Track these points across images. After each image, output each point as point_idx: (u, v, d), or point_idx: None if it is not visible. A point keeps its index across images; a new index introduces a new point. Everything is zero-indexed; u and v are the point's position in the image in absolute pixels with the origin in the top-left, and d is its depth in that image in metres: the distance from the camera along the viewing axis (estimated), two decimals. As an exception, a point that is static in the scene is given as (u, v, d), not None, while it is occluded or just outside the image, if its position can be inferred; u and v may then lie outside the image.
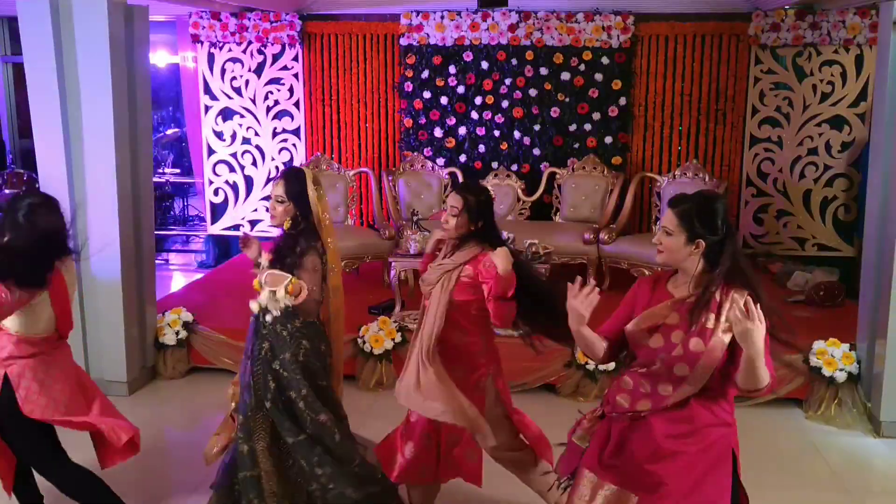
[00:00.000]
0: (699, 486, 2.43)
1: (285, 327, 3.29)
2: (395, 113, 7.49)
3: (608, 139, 7.18)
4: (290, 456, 3.33)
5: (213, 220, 7.85)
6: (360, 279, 6.56)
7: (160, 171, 9.84)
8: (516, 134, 7.27)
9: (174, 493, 3.98)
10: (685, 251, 2.46)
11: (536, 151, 7.26)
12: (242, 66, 7.51)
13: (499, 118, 7.27)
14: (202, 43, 7.50)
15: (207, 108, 7.63)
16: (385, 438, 3.44)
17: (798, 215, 7.15)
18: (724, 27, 6.99)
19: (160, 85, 10.04)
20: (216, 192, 7.77)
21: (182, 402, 5.12)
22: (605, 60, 7.07)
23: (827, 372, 4.81)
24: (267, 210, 3.41)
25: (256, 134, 7.63)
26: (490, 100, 7.24)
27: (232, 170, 7.71)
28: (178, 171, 10.27)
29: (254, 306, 3.28)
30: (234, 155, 7.68)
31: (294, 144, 7.64)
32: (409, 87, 7.34)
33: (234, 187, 7.73)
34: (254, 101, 7.57)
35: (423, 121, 7.37)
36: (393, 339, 5.16)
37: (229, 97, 7.58)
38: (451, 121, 7.34)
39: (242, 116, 7.61)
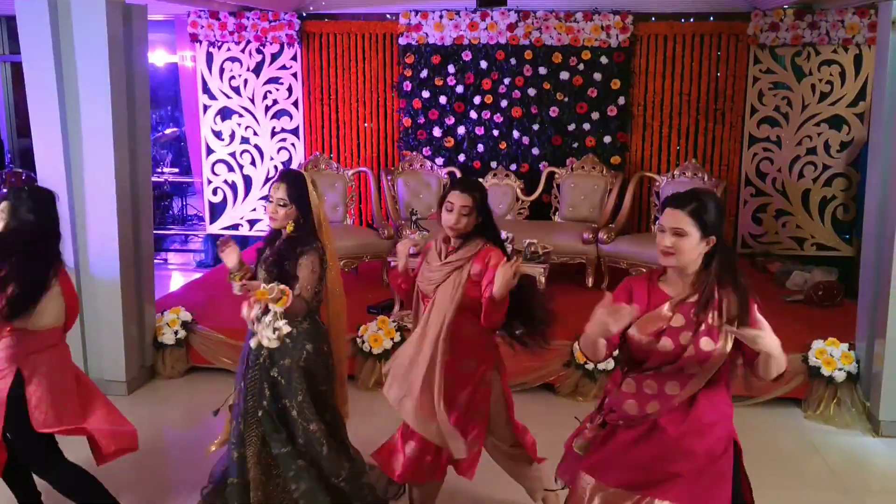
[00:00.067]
0: (703, 474, 2.47)
1: (290, 333, 3.27)
2: (393, 112, 7.49)
3: (607, 139, 7.19)
4: (277, 466, 3.32)
5: (212, 220, 7.85)
6: (358, 279, 6.55)
7: (159, 170, 9.83)
8: (515, 133, 7.27)
9: (173, 492, 3.97)
10: (697, 250, 2.45)
11: (535, 151, 7.27)
12: (241, 65, 7.51)
13: (498, 118, 7.27)
14: (201, 42, 7.49)
15: (206, 108, 7.63)
16: (385, 443, 3.43)
17: (797, 215, 7.15)
18: (723, 27, 7.00)
19: (159, 84, 10.03)
20: (215, 192, 7.76)
21: (181, 401, 5.11)
22: (603, 60, 7.07)
23: (826, 371, 4.81)
24: (265, 211, 3.36)
25: (255, 133, 7.63)
26: (489, 99, 7.24)
27: (231, 169, 7.70)
28: (176, 170, 10.26)
29: (253, 343, 3.23)
30: (232, 154, 7.68)
31: (293, 144, 7.64)
32: (407, 86, 7.34)
33: (233, 187, 7.73)
34: (252, 101, 7.57)
35: (421, 120, 7.37)
36: (392, 339, 5.16)
37: (228, 97, 7.57)
38: (450, 120, 7.34)
39: (241, 116, 7.60)
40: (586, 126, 7.19)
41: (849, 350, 4.86)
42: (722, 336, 2.43)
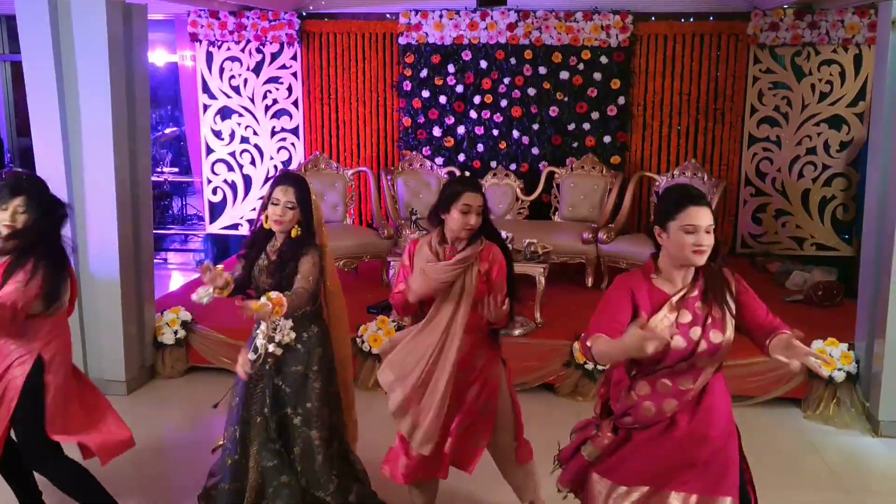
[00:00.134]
0: (715, 459, 2.53)
1: (300, 338, 3.27)
2: (393, 112, 7.49)
3: (607, 138, 7.19)
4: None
5: (212, 220, 7.85)
6: (358, 279, 6.55)
7: (159, 169, 9.82)
8: (515, 133, 7.27)
9: (172, 492, 3.98)
10: None
11: (535, 151, 7.27)
12: (241, 64, 7.51)
13: (497, 117, 7.27)
14: (201, 42, 7.49)
15: (206, 107, 7.63)
16: (387, 454, 3.42)
17: (797, 215, 7.16)
18: (723, 26, 7.00)
19: (158, 84, 10.03)
20: (215, 191, 7.76)
21: (181, 401, 5.11)
22: (603, 60, 7.07)
23: (825, 371, 4.81)
24: (264, 214, 3.28)
25: (255, 133, 7.62)
26: (489, 99, 7.24)
27: (230, 169, 7.70)
28: (176, 170, 10.25)
29: (252, 356, 3.16)
30: (232, 154, 7.67)
31: (293, 143, 7.64)
32: (407, 86, 7.34)
33: (233, 186, 7.73)
34: (252, 100, 7.56)
35: (421, 120, 7.37)
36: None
37: (228, 96, 7.57)
38: (450, 120, 7.34)
39: (241, 115, 7.60)
40: (586, 126, 7.19)
41: (848, 350, 4.86)
42: (728, 325, 2.50)
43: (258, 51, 7.48)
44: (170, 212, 9.81)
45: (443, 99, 7.29)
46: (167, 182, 9.78)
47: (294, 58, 7.48)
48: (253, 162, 7.67)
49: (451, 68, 7.25)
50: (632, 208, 6.79)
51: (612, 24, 6.99)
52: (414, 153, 7.29)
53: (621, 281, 2.58)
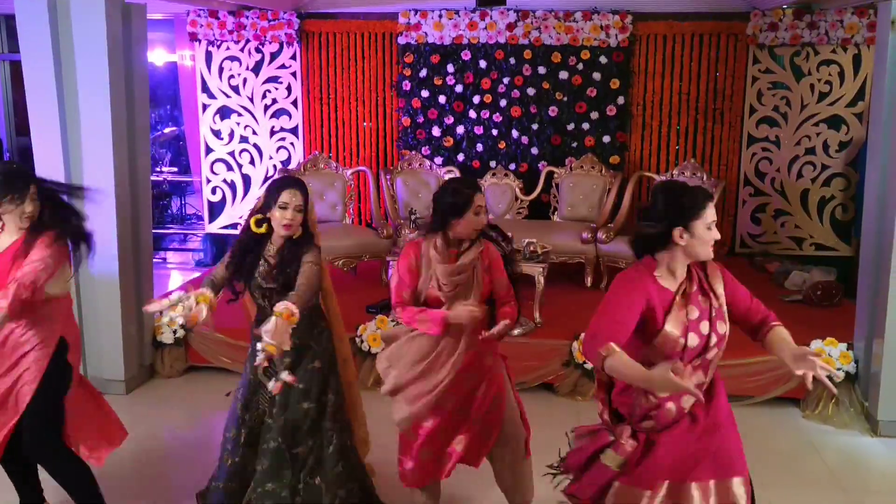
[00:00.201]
0: (725, 442, 2.58)
1: (312, 335, 3.28)
2: (392, 112, 7.49)
3: (606, 138, 7.19)
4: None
5: (211, 219, 7.85)
6: (357, 278, 6.55)
7: (158, 169, 9.82)
8: (514, 133, 7.27)
9: (172, 491, 3.98)
10: None
11: (534, 150, 7.27)
12: (240, 64, 7.51)
13: (497, 117, 7.27)
14: (200, 41, 7.49)
15: (205, 107, 7.62)
16: (401, 468, 3.42)
17: (796, 215, 7.16)
18: (722, 26, 7.00)
19: (158, 83, 10.02)
20: (214, 191, 7.76)
21: (180, 400, 5.11)
22: (603, 59, 7.07)
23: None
24: (263, 216, 3.23)
25: (254, 132, 7.62)
26: (488, 99, 7.24)
27: (230, 168, 7.70)
28: (175, 169, 10.24)
29: (262, 357, 2.95)
30: (231, 153, 7.67)
31: (292, 143, 7.64)
32: (407, 85, 7.34)
33: (232, 186, 7.73)
34: (251, 100, 7.56)
35: (420, 120, 7.37)
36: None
37: (227, 95, 7.57)
38: (449, 120, 7.34)
39: (240, 115, 7.60)
40: (585, 126, 7.19)
41: (847, 350, 4.87)
42: (725, 314, 2.56)
43: (257, 50, 7.47)
44: (169, 211, 9.80)
45: (442, 99, 7.29)
46: (166, 181, 9.77)
47: (293, 57, 7.47)
48: (252, 161, 7.67)
49: (450, 68, 7.25)
50: (631, 208, 6.79)
51: (612, 24, 6.99)
52: (413, 153, 7.29)
53: (630, 281, 2.52)
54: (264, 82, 7.54)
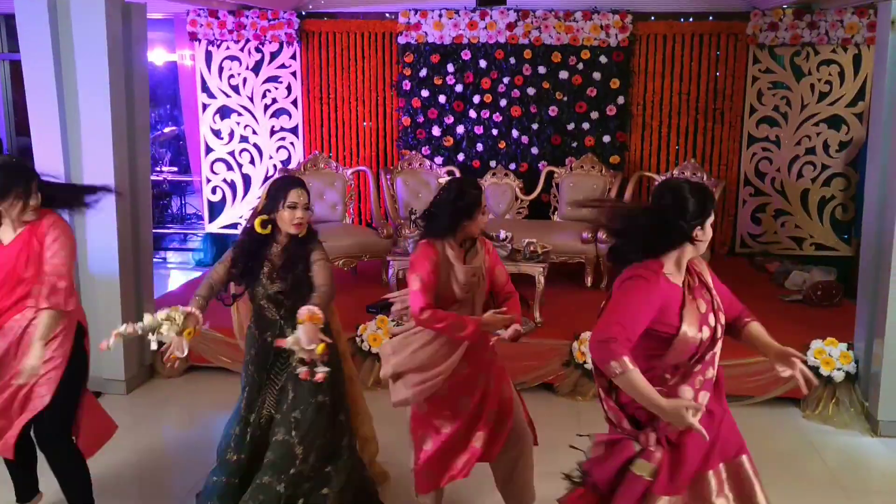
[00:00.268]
0: (729, 427, 2.62)
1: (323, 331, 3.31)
2: (392, 111, 7.49)
3: (606, 138, 7.19)
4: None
5: (211, 219, 7.85)
6: (357, 278, 6.55)
7: (158, 169, 9.81)
8: (514, 133, 7.27)
9: (171, 490, 3.98)
10: None
11: (535, 150, 7.27)
12: (240, 64, 7.50)
13: (497, 117, 7.27)
14: (200, 41, 7.48)
15: (205, 107, 7.62)
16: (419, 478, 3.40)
17: (796, 215, 7.16)
18: (722, 26, 7.00)
19: (158, 83, 10.01)
20: (214, 191, 7.76)
21: (180, 400, 5.11)
22: (603, 59, 7.07)
23: (824, 371, 4.81)
24: (268, 216, 3.22)
25: (254, 132, 7.62)
26: (488, 98, 7.24)
27: (230, 168, 7.70)
28: (175, 169, 10.24)
29: (303, 369, 2.93)
30: (231, 153, 7.67)
31: (292, 143, 7.64)
32: (407, 85, 7.33)
33: (232, 185, 7.73)
34: (251, 100, 7.56)
35: (420, 119, 7.37)
36: (387, 341, 5.14)
37: (227, 95, 7.56)
38: (449, 119, 7.34)
39: (240, 115, 7.60)
40: (585, 125, 7.19)
41: (847, 350, 4.87)
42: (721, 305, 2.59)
43: (257, 50, 7.47)
44: (169, 211, 9.79)
45: (442, 98, 7.29)
46: (166, 181, 9.77)
47: (293, 57, 7.47)
48: (252, 161, 7.67)
49: (450, 68, 7.25)
50: (631, 208, 6.79)
51: (612, 24, 6.99)
52: (413, 153, 7.29)
53: (645, 281, 2.46)
54: (264, 82, 7.53)
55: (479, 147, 7.36)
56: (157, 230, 8.25)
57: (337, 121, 7.58)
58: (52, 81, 4.73)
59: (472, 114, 7.30)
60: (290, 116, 7.60)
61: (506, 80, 7.20)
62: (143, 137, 5.18)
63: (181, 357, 2.97)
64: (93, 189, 3.35)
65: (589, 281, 6.36)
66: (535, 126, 7.24)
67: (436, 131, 7.37)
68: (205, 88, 7.59)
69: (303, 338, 2.78)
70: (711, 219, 2.53)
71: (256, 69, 7.51)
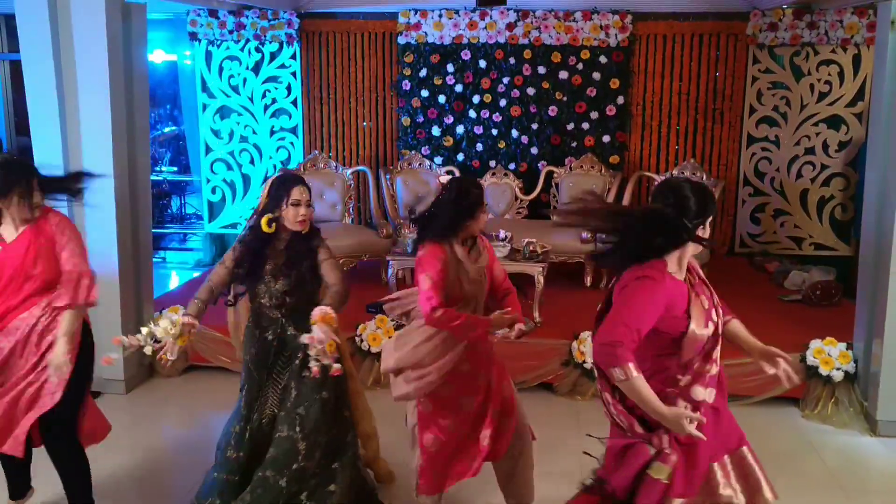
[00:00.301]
0: (730, 418, 2.65)
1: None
2: (392, 111, 7.49)
3: (606, 138, 7.19)
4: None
5: (211, 219, 7.85)
6: (357, 278, 6.54)
7: (158, 168, 9.83)
8: (514, 133, 7.28)
9: (171, 490, 3.98)
10: None
11: (534, 150, 7.27)
12: (240, 64, 7.51)
13: (497, 117, 7.27)
14: (200, 41, 7.48)
15: (205, 107, 7.62)
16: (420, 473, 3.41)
17: (795, 214, 7.16)
18: (722, 26, 7.00)
19: (158, 83, 10.02)
20: (214, 191, 7.76)
21: (179, 400, 5.11)
22: (602, 59, 7.07)
23: (824, 371, 4.82)
24: (271, 214, 3.24)
25: (254, 132, 7.62)
26: (488, 98, 7.25)
27: (230, 168, 7.70)
28: (175, 169, 10.25)
29: (317, 366, 3.00)
30: (231, 153, 7.67)
31: (292, 143, 7.64)
32: (406, 85, 7.34)
33: (232, 185, 7.73)
34: (251, 100, 7.56)
35: (420, 119, 7.37)
36: (390, 338, 5.15)
37: (227, 95, 7.57)
38: (449, 119, 7.34)
39: (240, 114, 7.60)
40: (585, 125, 7.19)
41: (847, 350, 4.87)
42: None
43: (257, 50, 7.47)
44: (169, 211, 9.81)
45: (442, 98, 7.29)
46: (166, 181, 9.78)
47: (293, 57, 7.47)
48: (252, 161, 7.67)
49: (450, 68, 7.25)
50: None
51: (612, 24, 6.99)
52: (413, 153, 7.29)
53: (652, 281, 2.44)
54: (264, 82, 7.54)
55: (479, 147, 7.36)
56: (156, 230, 8.26)
57: (337, 121, 7.58)
58: (52, 81, 4.74)
59: (472, 114, 7.30)
60: (289, 116, 7.60)
61: (505, 80, 7.20)
62: (143, 137, 5.19)
63: (170, 360, 3.08)
64: (83, 175, 3.35)
65: (588, 281, 6.36)
66: (534, 126, 7.24)
67: (435, 131, 7.37)
68: (205, 88, 7.59)
69: (318, 337, 2.87)
70: (711, 218, 2.54)
71: (256, 69, 7.51)
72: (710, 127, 7.18)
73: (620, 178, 6.95)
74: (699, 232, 2.49)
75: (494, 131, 7.31)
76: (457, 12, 7.13)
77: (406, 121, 7.40)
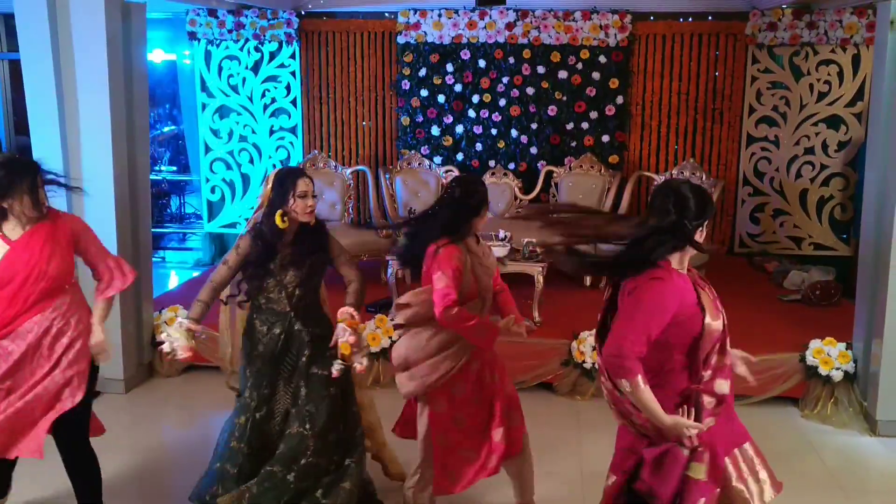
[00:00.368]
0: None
1: (321, 323, 3.42)
2: (392, 111, 7.49)
3: (605, 138, 7.19)
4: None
5: (210, 218, 7.84)
6: (357, 277, 6.53)
7: (157, 168, 9.82)
8: (514, 132, 7.28)
9: (170, 489, 3.97)
10: None
11: (534, 150, 7.27)
12: (239, 63, 7.50)
13: (496, 116, 7.27)
14: (199, 40, 7.48)
15: (204, 106, 7.62)
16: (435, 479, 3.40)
17: (794, 214, 7.16)
18: (722, 26, 7.01)
19: (157, 82, 10.01)
20: (213, 190, 7.76)
21: (179, 399, 5.11)
22: (602, 59, 7.07)
23: (823, 371, 4.82)
24: (277, 208, 3.26)
25: (253, 132, 7.62)
26: (487, 98, 7.24)
27: (229, 167, 7.70)
28: (174, 168, 10.24)
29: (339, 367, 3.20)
30: (231, 153, 7.67)
31: (291, 142, 7.63)
32: (406, 85, 7.33)
33: (231, 185, 7.72)
34: (251, 99, 7.56)
35: (420, 119, 7.37)
36: (390, 337, 5.15)
37: (226, 95, 7.56)
38: (449, 119, 7.34)
39: (239, 114, 7.59)
40: (584, 125, 7.20)
41: (846, 349, 4.87)
42: None
43: (257, 49, 7.47)
44: (168, 210, 9.80)
45: (441, 98, 7.29)
46: (165, 181, 9.77)
47: (292, 56, 7.47)
48: (251, 161, 7.67)
49: (449, 67, 7.25)
50: (630, 208, 6.80)
51: (611, 24, 6.99)
52: (412, 152, 7.29)
53: (662, 284, 2.43)
54: (263, 81, 7.53)
55: (479, 147, 7.36)
56: (156, 229, 8.25)
57: (336, 120, 7.58)
58: (51, 81, 4.73)
59: (472, 113, 7.30)
60: (289, 116, 7.60)
61: (505, 79, 7.20)
62: (143, 137, 5.18)
63: (181, 358, 3.19)
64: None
65: (588, 280, 6.36)
66: (534, 126, 7.24)
67: (435, 131, 7.37)
68: (204, 88, 7.59)
69: (340, 335, 3.15)
70: (708, 221, 2.54)
71: (256, 69, 7.51)
72: (709, 127, 7.18)
73: (620, 177, 6.95)
74: (697, 234, 2.50)
75: (494, 131, 7.31)
76: (456, 12, 7.13)
77: (405, 120, 7.40)
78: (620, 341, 2.39)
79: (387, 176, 7.06)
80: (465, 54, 7.21)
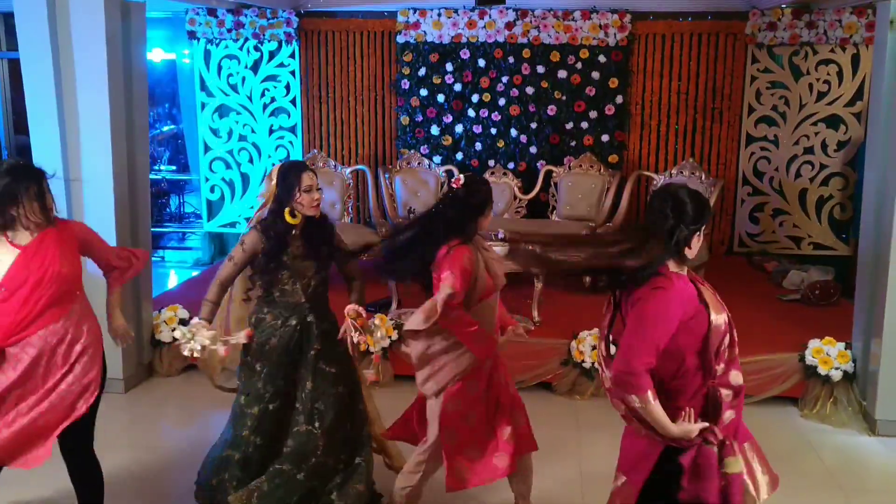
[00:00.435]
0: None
1: (328, 319, 3.45)
2: (391, 110, 7.49)
3: (605, 137, 7.19)
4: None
5: (210, 217, 7.84)
6: (356, 277, 6.54)
7: (156, 167, 9.81)
8: (513, 132, 7.27)
9: (170, 489, 3.98)
10: None
11: (533, 149, 7.27)
12: (239, 62, 7.50)
13: (496, 116, 7.27)
14: (199, 39, 7.48)
15: (204, 105, 7.62)
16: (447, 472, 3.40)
17: (794, 214, 7.17)
18: (721, 26, 7.01)
19: (156, 81, 9.99)
20: (212, 190, 7.76)
21: (178, 399, 5.11)
22: (601, 58, 7.07)
23: (822, 370, 4.82)
24: (283, 203, 3.29)
25: (253, 131, 7.62)
26: (487, 98, 7.24)
27: (228, 167, 7.70)
28: (174, 167, 10.24)
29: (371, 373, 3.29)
30: (230, 152, 7.66)
31: (290, 142, 7.63)
32: (405, 84, 7.33)
33: (231, 184, 7.72)
34: (250, 99, 7.56)
35: (419, 118, 7.37)
36: (390, 337, 5.16)
37: (226, 94, 7.56)
38: (448, 118, 7.34)
39: (239, 113, 7.59)
40: (584, 125, 7.20)
41: (845, 349, 4.87)
42: None
43: (256, 49, 7.47)
44: (167, 210, 9.79)
45: (441, 97, 7.29)
46: (165, 180, 9.77)
47: (292, 56, 7.47)
48: (251, 160, 7.66)
49: (449, 67, 7.25)
50: (630, 207, 6.80)
51: (611, 23, 6.99)
52: (412, 152, 7.29)
53: (660, 292, 2.43)
54: (263, 81, 7.53)
55: (478, 146, 7.36)
56: (155, 229, 8.25)
57: (335, 120, 7.58)
58: (50, 80, 4.73)
59: (471, 113, 7.30)
60: (288, 115, 7.60)
61: (504, 79, 7.20)
62: (142, 136, 5.18)
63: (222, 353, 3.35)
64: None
65: (587, 280, 6.34)
66: (533, 125, 7.24)
67: (434, 130, 7.37)
68: (204, 87, 7.59)
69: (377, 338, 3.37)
70: (704, 227, 2.54)
71: (255, 68, 7.51)
72: (708, 126, 7.18)
73: (619, 177, 6.95)
74: (695, 239, 2.49)
75: (493, 130, 7.31)
76: (456, 11, 7.13)
77: (405, 120, 7.40)
78: (628, 356, 2.39)
79: (386, 175, 7.06)
80: (465, 54, 7.21)
